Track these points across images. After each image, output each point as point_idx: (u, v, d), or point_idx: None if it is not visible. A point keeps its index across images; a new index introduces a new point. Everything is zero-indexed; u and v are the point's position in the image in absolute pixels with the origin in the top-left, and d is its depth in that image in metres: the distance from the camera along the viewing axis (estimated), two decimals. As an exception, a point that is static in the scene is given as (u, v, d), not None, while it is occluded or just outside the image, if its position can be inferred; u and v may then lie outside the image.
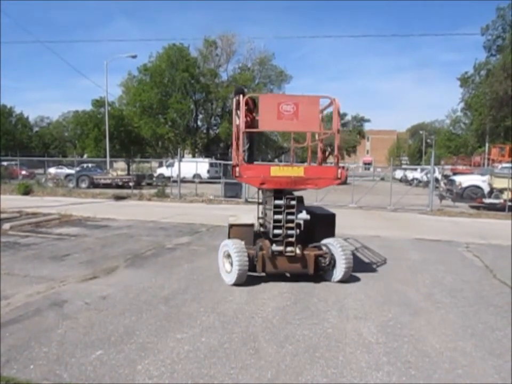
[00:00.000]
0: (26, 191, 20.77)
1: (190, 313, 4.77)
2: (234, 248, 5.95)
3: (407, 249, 9.04)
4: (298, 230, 6.14)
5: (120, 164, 40.81)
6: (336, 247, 6.08)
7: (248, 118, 6.34)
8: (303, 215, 6.10)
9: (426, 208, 16.45)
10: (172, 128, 40.30)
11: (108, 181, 26.05)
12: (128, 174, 27.70)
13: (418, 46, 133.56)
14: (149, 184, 28.17)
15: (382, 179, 37.96)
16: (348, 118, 70.89)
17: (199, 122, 43.04)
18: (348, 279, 6.18)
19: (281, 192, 6.05)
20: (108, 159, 33.06)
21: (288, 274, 6.31)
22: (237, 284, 5.91)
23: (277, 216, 5.96)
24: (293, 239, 5.97)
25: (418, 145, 78.13)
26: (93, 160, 36.98)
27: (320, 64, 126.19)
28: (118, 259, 7.48)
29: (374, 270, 7.08)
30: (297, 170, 6.09)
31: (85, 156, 46.52)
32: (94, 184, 26.40)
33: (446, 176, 23.49)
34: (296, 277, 6.24)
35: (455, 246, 9.48)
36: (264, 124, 6.08)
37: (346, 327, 4.46)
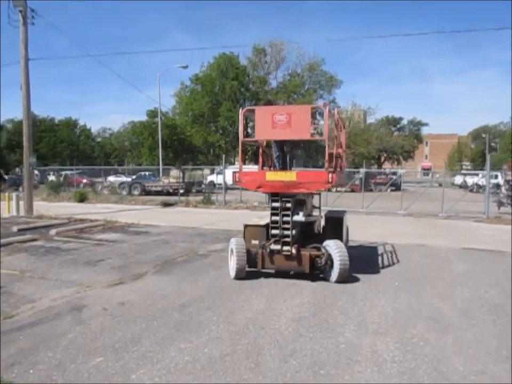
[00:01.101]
0: (82, 199, 21.83)
1: (201, 322, 4.66)
2: (235, 246, 6.54)
3: (452, 260, 8.41)
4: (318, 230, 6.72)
5: (176, 172, 41.93)
6: (332, 249, 6.25)
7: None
8: (299, 217, 6.47)
9: (482, 215, 15.35)
10: (223, 135, 40.84)
11: (159, 188, 26.76)
12: (181, 181, 28.22)
13: (479, 44, 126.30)
14: (198, 191, 28.60)
15: (440, 185, 36.13)
16: (404, 122, 68.44)
17: (249, 130, 43.28)
18: (347, 279, 6.32)
19: (277, 195, 6.49)
20: (160, 167, 34.10)
21: (292, 272, 6.63)
22: (237, 278, 6.50)
23: (274, 218, 6.46)
24: (288, 239, 6.35)
25: (481, 149, 73.83)
26: (148, 168, 38.32)
27: (376, 68, 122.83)
28: (148, 265, 7.56)
29: (408, 282, 6.62)
30: (290, 175, 6.55)
31: (144, 164, 48.31)
32: (146, 192, 27.23)
33: (508, 181, 21.85)
34: (299, 275, 6.54)
35: (507, 256, 8.69)
36: (260, 134, 6.81)
37: (362, 342, 4.15)
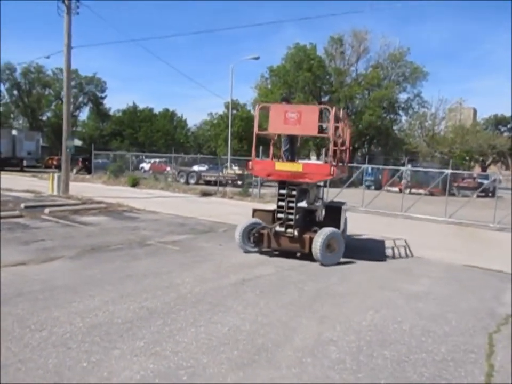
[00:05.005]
0: (134, 183, 22.76)
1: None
2: (239, 225, 7.82)
3: (427, 277, 6.90)
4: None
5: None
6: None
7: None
8: (302, 204, 7.48)
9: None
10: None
11: (213, 178, 26.87)
12: (234, 173, 27.90)
13: None
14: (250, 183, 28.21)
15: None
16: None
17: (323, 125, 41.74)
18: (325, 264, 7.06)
19: (284, 183, 7.33)
20: (229, 157, 34.35)
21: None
22: (245, 252, 7.71)
23: (280, 203, 7.35)
24: (292, 222, 7.25)
25: None
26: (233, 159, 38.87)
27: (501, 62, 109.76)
28: (76, 250, 7.34)
29: (317, 298, 5.47)
30: (296, 166, 7.42)
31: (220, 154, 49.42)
32: (205, 181, 27.51)
33: None
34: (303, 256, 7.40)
35: (507, 282, 6.90)
36: (272, 128, 7.48)
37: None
